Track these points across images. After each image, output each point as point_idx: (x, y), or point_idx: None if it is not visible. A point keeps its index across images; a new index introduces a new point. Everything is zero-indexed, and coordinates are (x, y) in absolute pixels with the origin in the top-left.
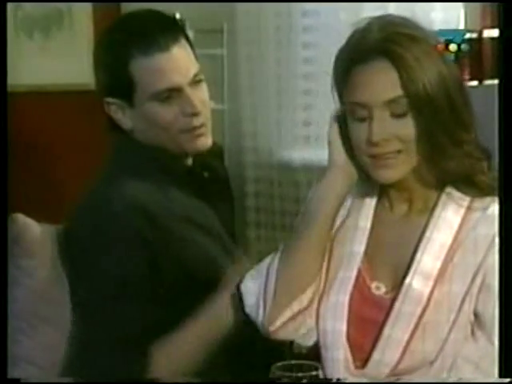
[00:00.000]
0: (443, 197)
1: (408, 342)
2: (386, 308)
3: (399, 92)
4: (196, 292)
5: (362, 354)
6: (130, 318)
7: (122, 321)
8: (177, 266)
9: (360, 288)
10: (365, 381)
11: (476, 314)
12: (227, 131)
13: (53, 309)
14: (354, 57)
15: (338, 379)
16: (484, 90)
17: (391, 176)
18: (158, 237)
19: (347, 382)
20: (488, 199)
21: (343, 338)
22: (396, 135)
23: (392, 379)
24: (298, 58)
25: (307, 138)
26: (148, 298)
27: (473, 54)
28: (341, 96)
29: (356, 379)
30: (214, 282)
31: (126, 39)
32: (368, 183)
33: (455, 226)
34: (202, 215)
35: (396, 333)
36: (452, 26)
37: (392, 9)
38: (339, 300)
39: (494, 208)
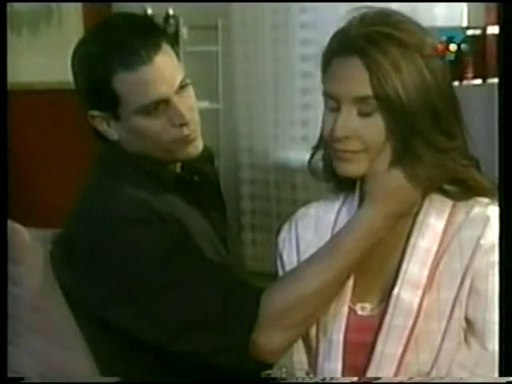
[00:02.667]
0: (426, 201)
1: (402, 356)
2: (375, 325)
3: (368, 92)
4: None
5: (356, 373)
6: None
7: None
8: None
9: (348, 317)
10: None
11: (467, 320)
12: (222, 131)
13: (41, 317)
14: (336, 48)
15: (332, 378)
16: (488, 88)
17: (350, 170)
18: (168, 238)
19: (346, 381)
20: (471, 201)
21: (338, 373)
22: (358, 134)
23: None
24: (295, 56)
25: (305, 138)
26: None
27: (476, 52)
28: (323, 84)
29: None
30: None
31: (106, 53)
32: (350, 199)
33: (439, 230)
34: (194, 220)
35: (389, 348)
36: (455, 23)
37: (394, 5)
38: (333, 339)
39: (478, 210)
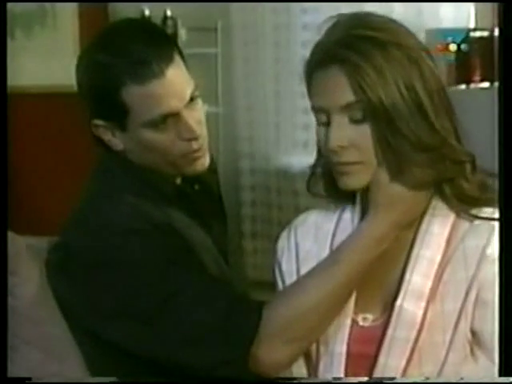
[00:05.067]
0: (429, 210)
1: (405, 369)
2: (377, 336)
3: (352, 98)
4: None
5: None
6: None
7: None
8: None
9: (350, 328)
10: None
11: (473, 332)
12: (222, 135)
13: (36, 329)
14: (314, 61)
15: (336, 378)
16: (495, 91)
17: (351, 183)
18: (167, 250)
19: (347, 381)
20: (475, 210)
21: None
22: (353, 142)
23: None
24: (297, 58)
25: (307, 142)
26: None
27: (483, 54)
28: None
29: None
30: None
31: (115, 63)
32: (350, 207)
33: (443, 240)
34: (194, 232)
35: (391, 360)
36: (462, 24)
37: (398, 6)
38: (336, 351)
39: (485, 216)
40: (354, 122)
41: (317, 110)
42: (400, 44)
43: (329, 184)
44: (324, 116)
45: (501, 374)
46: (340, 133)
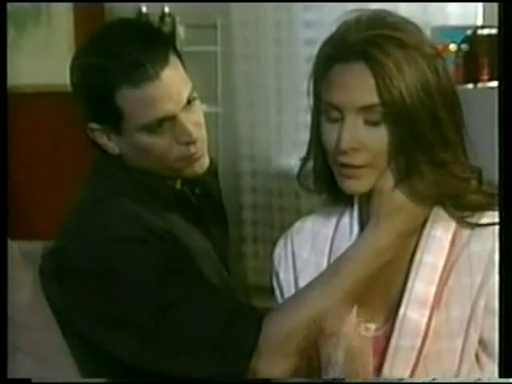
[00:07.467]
0: (432, 215)
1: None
2: (381, 346)
3: (375, 99)
4: None
5: None
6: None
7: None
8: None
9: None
10: None
11: (480, 340)
12: (221, 136)
13: (29, 335)
14: (336, 54)
15: (334, 379)
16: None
17: (357, 187)
18: (165, 257)
19: (347, 381)
20: (477, 215)
21: None
22: (366, 145)
23: None
24: (299, 56)
25: None
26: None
27: (491, 52)
28: (318, 93)
29: None
30: None
31: (109, 66)
32: (348, 212)
33: (446, 244)
34: (194, 238)
35: (396, 370)
36: (469, 21)
37: (404, 3)
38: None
39: (486, 221)
40: (370, 123)
41: (330, 105)
42: (421, 48)
43: (318, 179)
44: (337, 113)
45: (501, 376)
46: (354, 134)
